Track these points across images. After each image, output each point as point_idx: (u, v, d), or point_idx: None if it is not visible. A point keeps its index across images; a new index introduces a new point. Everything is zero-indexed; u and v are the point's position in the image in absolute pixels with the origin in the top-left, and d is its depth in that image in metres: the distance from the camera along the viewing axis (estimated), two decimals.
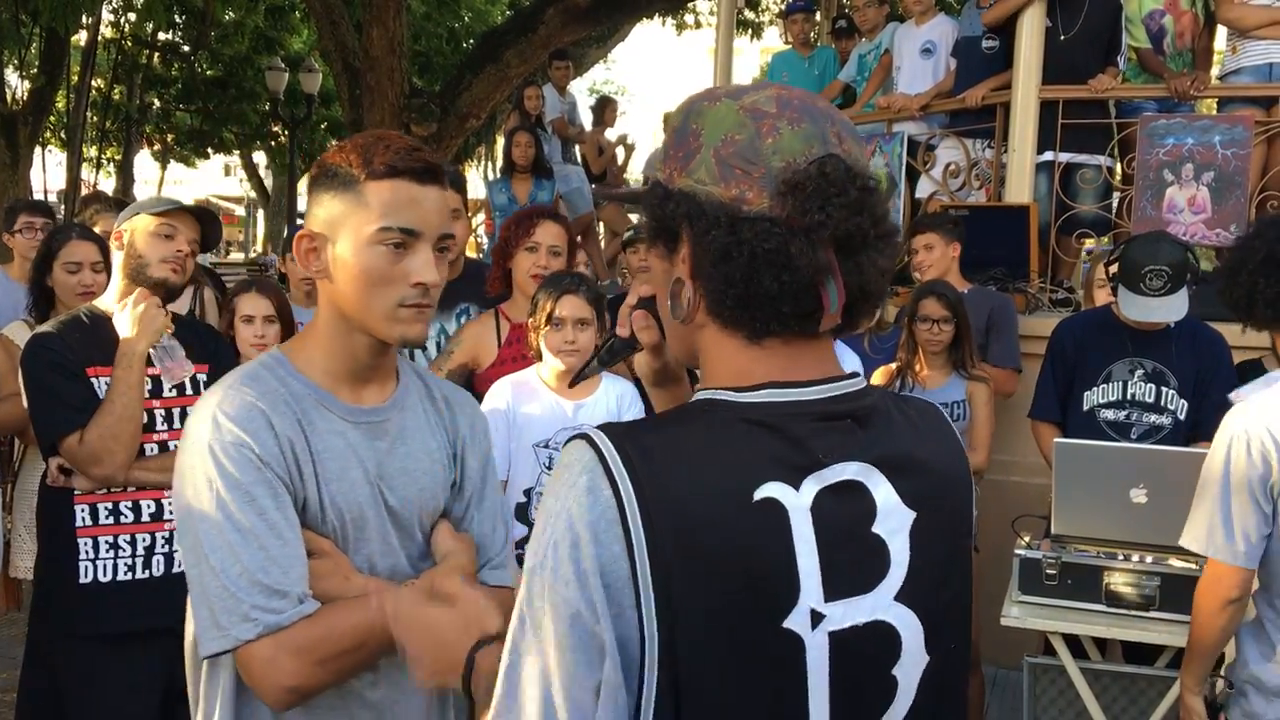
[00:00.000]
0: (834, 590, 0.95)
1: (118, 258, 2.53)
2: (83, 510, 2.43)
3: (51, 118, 17.90)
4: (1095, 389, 3.48)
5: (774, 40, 16.73)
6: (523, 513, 2.78)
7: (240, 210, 38.45)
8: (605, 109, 9.34)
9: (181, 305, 3.33)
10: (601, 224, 8.82)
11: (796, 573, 0.93)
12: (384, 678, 1.41)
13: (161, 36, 19.21)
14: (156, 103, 21.60)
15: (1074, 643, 2.99)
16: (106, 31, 17.88)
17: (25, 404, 2.50)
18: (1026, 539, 2.98)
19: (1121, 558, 2.85)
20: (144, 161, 25.76)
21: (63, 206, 14.91)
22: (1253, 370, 3.33)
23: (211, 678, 1.37)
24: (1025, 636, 3.21)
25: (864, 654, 0.97)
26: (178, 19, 17.64)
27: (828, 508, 0.95)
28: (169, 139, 23.85)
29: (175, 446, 2.48)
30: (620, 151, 9.24)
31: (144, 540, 2.46)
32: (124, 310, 2.46)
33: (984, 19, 5.20)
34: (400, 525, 1.47)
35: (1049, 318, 4.39)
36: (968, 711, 1.13)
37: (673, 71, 38.25)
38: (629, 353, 1.23)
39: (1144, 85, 5.07)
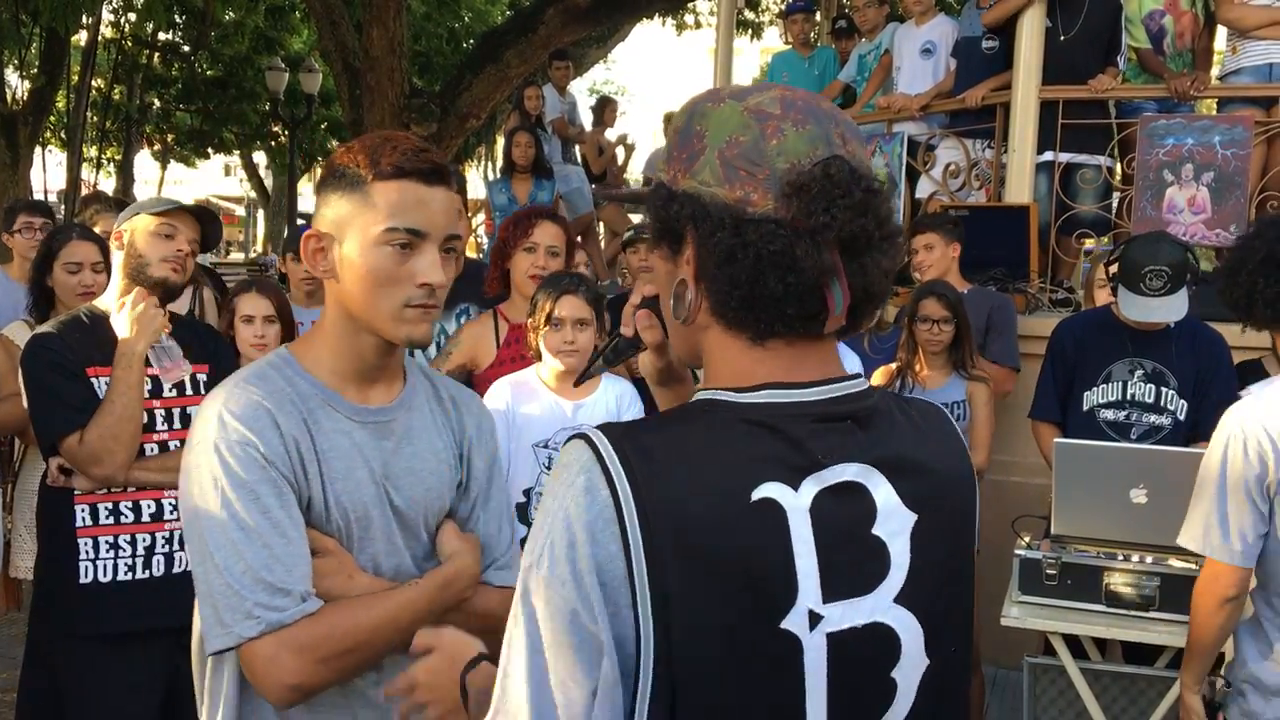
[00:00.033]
0: (832, 591, 0.94)
1: (118, 258, 2.53)
2: (83, 510, 2.43)
3: (51, 118, 17.89)
4: (1095, 389, 3.48)
5: (774, 40, 16.72)
6: (523, 513, 2.77)
7: (240, 210, 38.40)
8: (605, 109, 9.34)
9: (181, 305, 3.33)
10: (601, 224, 8.82)
11: (794, 573, 0.93)
12: (388, 677, 1.41)
13: (161, 36, 19.20)
14: (156, 103, 21.59)
15: (1074, 643, 2.99)
16: (106, 31, 17.87)
17: (25, 404, 2.49)
18: (1026, 539, 2.99)
19: (1121, 558, 2.85)
20: (144, 161, 25.79)
21: (63, 206, 14.91)
22: (1253, 370, 3.34)
23: (216, 674, 1.38)
24: (1025, 636, 3.22)
25: (862, 656, 0.97)
26: (178, 19, 17.63)
27: (827, 509, 0.95)
28: (169, 139, 23.83)
29: (175, 446, 2.49)
30: (620, 152, 9.25)
31: (144, 540, 2.46)
32: (121, 311, 2.46)
33: (984, 19, 5.19)
34: (405, 525, 1.47)
35: (1049, 318, 4.39)
36: (968, 714, 1.13)
37: (673, 72, 38.28)
38: (633, 352, 1.23)
39: (1144, 85, 5.06)
